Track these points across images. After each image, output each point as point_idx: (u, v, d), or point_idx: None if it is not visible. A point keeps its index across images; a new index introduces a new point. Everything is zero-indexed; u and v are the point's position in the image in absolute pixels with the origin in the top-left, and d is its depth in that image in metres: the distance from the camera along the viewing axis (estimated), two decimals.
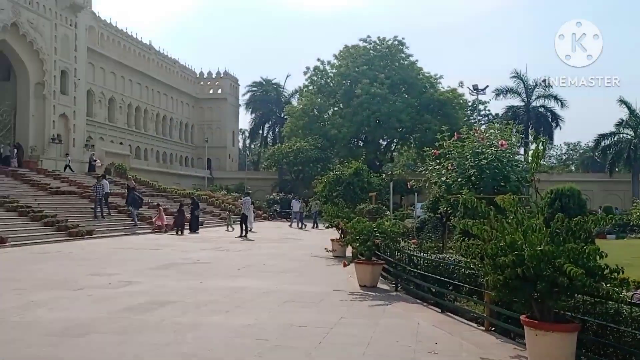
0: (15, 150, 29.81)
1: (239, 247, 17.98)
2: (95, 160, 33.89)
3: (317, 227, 29.51)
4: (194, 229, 24.50)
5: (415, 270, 9.10)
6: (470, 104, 53.77)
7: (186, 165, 60.45)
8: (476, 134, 9.52)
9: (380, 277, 10.71)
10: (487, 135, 9.44)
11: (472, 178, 8.83)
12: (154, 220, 24.60)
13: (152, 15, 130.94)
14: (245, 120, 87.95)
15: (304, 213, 31.08)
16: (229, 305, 8.08)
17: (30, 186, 25.28)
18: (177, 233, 23.34)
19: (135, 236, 21.74)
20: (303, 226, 29.88)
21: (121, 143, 48.09)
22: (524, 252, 4.91)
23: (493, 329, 6.93)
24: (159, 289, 9.40)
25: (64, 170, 31.25)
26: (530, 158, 6.29)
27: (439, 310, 8.08)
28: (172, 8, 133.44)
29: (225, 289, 9.46)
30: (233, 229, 26.17)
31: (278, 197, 45.22)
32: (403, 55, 51.79)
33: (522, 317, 5.29)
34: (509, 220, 5.26)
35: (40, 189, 25.15)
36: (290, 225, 30.63)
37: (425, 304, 8.62)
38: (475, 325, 7.25)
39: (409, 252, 9.53)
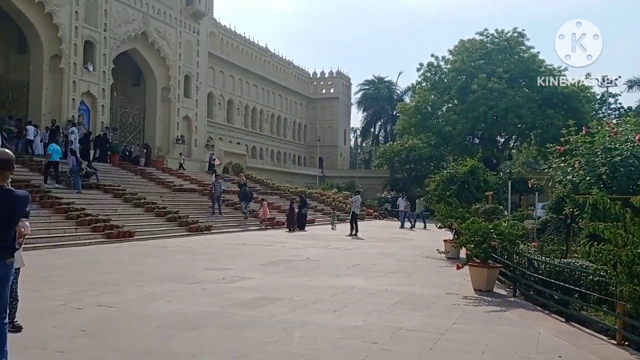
0: (144, 150, 32.02)
1: (349, 246, 17.93)
2: (214, 160, 35.56)
3: (424, 227, 28.73)
4: (301, 227, 24.82)
5: (535, 275, 8.43)
6: (598, 97, 49.85)
7: (299, 164, 61.94)
8: (608, 128, 8.58)
9: (497, 282, 10.10)
10: (620, 129, 8.48)
11: (603, 177, 7.95)
12: (259, 215, 25.35)
13: (267, 19, 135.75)
14: (356, 118, 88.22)
15: (408, 212, 30.21)
16: (337, 305, 7.97)
17: (156, 184, 27.04)
18: (289, 230, 23.84)
19: (248, 232, 22.49)
20: (411, 225, 29.20)
21: (238, 143, 50.23)
22: None
23: (626, 343, 6.20)
24: (269, 285, 9.52)
25: (179, 168, 33.00)
26: None
27: (563, 320, 7.40)
28: (286, 11, 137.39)
29: (334, 288, 9.38)
30: (336, 228, 26.17)
31: (389, 196, 44.79)
32: (523, 47, 49.15)
33: None
34: None
35: (165, 186, 26.83)
36: (400, 227, 29.71)
37: (546, 311, 7.96)
38: (605, 338, 6.54)
39: (528, 255, 8.86)
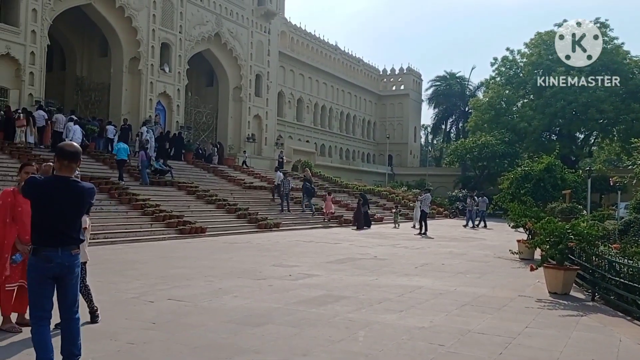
0: (216, 149, 32.83)
1: (418, 245, 17.61)
2: (282, 158, 35.94)
3: (473, 225, 27.65)
4: (366, 224, 24.55)
5: (617, 278, 7.94)
6: None
7: (368, 162, 61.73)
8: None
9: (574, 285, 9.60)
10: None
11: None
12: (323, 209, 25.48)
13: (337, 16, 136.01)
14: (427, 115, 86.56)
15: (472, 210, 28.74)
16: (403, 305, 7.81)
17: (228, 181, 27.68)
18: (356, 228, 23.75)
19: (316, 230, 22.59)
20: (473, 225, 27.82)
21: (307, 141, 50.67)
22: None
23: None
24: (335, 283, 9.48)
25: (242, 165, 33.30)
26: None
27: None
28: (357, 9, 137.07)
29: (400, 287, 9.22)
30: (399, 226, 25.73)
31: (460, 194, 43.74)
32: (606, 38, 46.50)
33: None
34: None
35: (235, 184, 27.42)
36: (466, 225, 28.29)
37: (628, 318, 7.47)
38: None
39: (609, 257, 8.34)
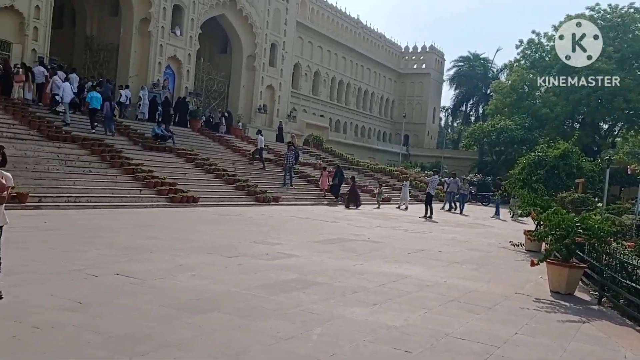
0: (224, 118, 31.85)
1: (419, 229, 16.59)
2: (281, 128, 34.84)
3: (450, 209, 26.21)
4: (335, 197, 23.90)
5: (627, 281, 6.93)
6: None
7: (383, 141, 60.37)
8: None
9: (580, 284, 8.60)
10: None
11: None
12: (320, 186, 24.80)
13: None
14: (447, 96, 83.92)
15: (454, 193, 26.77)
16: (380, 296, 6.88)
17: (232, 151, 26.77)
18: (354, 207, 22.77)
19: (317, 206, 21.69)
20: (450, 208, 26.37)
21: (322, 115, 49.48)
22: None
23: None
24: (313, 266, 8.58)
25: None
26: None
27: None
28: None
29: (384, 275, 8.29)
30: (380, 206, 24.49)
31: (475, 179, 42.35)
32: (639, 25, 44.50)
33: None
34: None
35: (240, 154, 26.49)
36: (441, 208, 26.64)
37: (638, 327, 6.49)
38: None
39: (620, 257, 7.31)
